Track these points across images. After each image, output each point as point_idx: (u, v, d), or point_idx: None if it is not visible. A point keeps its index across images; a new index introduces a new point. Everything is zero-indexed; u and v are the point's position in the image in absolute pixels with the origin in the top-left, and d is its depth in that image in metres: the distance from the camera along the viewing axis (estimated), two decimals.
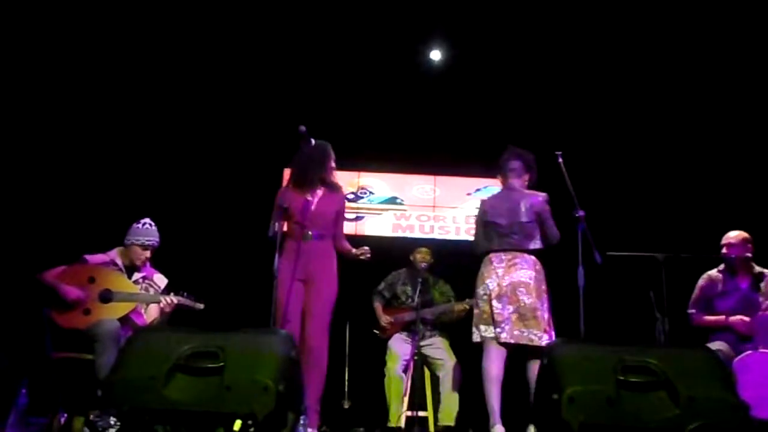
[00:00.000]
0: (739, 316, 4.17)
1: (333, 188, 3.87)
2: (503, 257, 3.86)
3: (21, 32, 5.78)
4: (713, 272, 4.42)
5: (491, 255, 3.91)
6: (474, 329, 3.92)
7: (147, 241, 4.12)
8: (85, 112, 6.28)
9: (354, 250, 3.85)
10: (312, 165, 3.77)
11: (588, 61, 6.44)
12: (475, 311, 3.94)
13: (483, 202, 4.14)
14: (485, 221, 3.99)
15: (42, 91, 6.02)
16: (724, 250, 4.35)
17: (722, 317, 4.24)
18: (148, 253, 4.14)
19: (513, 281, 3.78)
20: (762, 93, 6.24)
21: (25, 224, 5.75)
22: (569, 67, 6.50)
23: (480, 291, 3.89)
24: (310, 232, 3.71)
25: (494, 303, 3.78)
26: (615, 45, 6.29)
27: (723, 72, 6.27)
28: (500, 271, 3.83)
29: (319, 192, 3.79)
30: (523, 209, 3.89)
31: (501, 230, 3.90)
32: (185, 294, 4.06)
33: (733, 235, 4.36)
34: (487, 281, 3.85)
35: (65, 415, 3.82)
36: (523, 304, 3.75)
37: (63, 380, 3.80)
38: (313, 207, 3.71)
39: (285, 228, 3.73)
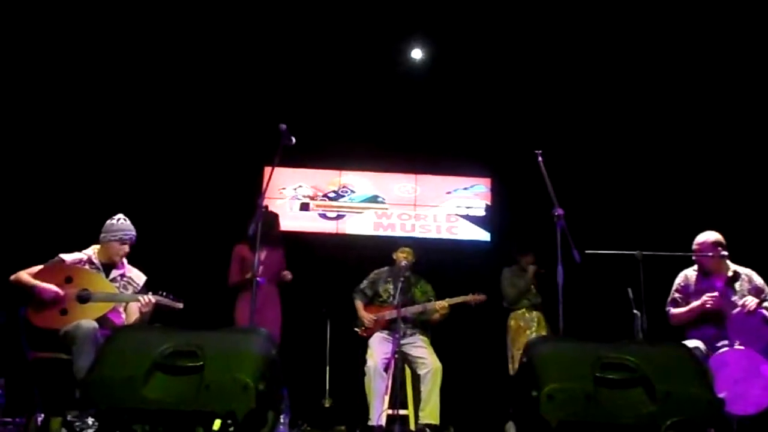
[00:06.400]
0: (706, 295, 4.19)
1: (276, 245, 5.20)
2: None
3: None
4: (689, 271, 4.45)
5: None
6: None
7: (125, 235, 4.05)
8: (61, 109, 6.22)
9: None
10: (268, 231, 4.88)
11: (567, 61, 6.48)
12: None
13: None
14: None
15: (13, 89, 5.95)
16: (694, 255, 4.39)
17: (695, 303, 4.24)
18: (126, 248, 4.07)
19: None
20: (736, 94, 6.33)
21: None
22: (549, 67, 6.54)
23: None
24: (259, 279, 4.66)
25: None
26: (593, 45, 6.34)
27: (697, 72, 6.34)
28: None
29: (268, 249, 5.02)
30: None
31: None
32: (164, 293, 3.99)
33: (702, 239, 4.36)
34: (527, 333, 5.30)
35: (42, 415, 3.77)
36: None
37: (40, 380, 3.75)
38: (264, 261, 4.87)
39: (241, 276, 5.05)
